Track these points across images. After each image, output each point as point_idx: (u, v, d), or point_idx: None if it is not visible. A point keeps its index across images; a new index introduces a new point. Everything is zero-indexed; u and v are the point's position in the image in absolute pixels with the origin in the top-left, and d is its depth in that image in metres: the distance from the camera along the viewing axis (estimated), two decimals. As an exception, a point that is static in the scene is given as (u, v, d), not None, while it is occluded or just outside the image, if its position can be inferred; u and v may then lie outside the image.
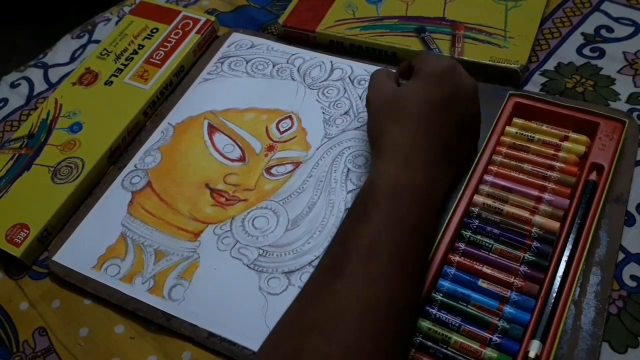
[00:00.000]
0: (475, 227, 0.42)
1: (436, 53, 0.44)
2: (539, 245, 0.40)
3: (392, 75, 0.45)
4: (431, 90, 0.40)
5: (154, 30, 0.62)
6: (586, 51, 0.52)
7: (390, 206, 0.35)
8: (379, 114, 0.42)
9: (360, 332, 0.31)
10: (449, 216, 0.42)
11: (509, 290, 0.38)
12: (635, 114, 0.47)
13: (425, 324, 0.38)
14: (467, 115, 0.42)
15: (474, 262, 0.40)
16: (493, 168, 0.44)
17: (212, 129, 0.54)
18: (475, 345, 0.36)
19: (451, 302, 0.39)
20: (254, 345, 0.40)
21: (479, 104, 0.43)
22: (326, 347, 0.31)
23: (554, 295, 0.37)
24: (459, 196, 0.43)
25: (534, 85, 0.51)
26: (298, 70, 0.57)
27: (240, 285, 0.44)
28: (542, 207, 0.41)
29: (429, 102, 0.40)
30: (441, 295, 0.39)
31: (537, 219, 0.41)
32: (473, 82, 0.42)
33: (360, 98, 0.53)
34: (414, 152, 0.38)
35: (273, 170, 0.50)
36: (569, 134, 0.45)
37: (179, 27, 0.62)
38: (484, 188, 0.43)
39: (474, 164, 0.44)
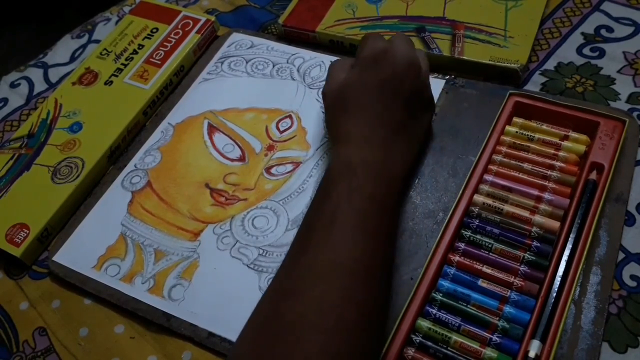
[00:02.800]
0: (475, 226, 0.42)
1: (376, 36, 0.44)
2: (539, 244, 0.40)
3: (345, 65, 0.46)
4: (367, 75, 0.42)
5: (154, 30, 0.62)
6: (586, 51, 0.52)
7: (345, 182, 0.37)
8: (331, 106, 0.44)
9: (330, 290, 0.33)
10: (449, 216, 0.42)
11: (509, 290, 0.38)
12: (635, 114, 0.47)
13: (425, 323, 0.38)
14: (414, 91, 0.43)
15: (474, 262, 0.40)
16: (493, 167, 0.44)
17: (212, 129, 0.54)
18: (475, 345, 0.36)
19: (451, 302, 0.39)
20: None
21: (426, 75, 0.44)
22: (300, 307, 0.33)
23: (554, 295, 0.37)
24: (458, 196, 0.43)
25: (534, 85, 0.51)
26: (298, 70, 0.57)
27: (240, 285, 0.44)
28: (542, 206, 0.41)
29: (367, 88, 0.42)
30: (441, 295, 0.39)
31: (537, 218, 0.41)
32: (410, 58, 0.42)
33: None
34: (365, 135, 0.40)
35: (273, 170, 0.50)
36: (569, 134, 0.45)
37: (179, 27, 0.62)
38: (484, 188, 0.43)
39: (476, 161, 0.44)
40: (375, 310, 0.35)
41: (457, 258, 0.40)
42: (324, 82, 0.55)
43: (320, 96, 0.54)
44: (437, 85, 0.52)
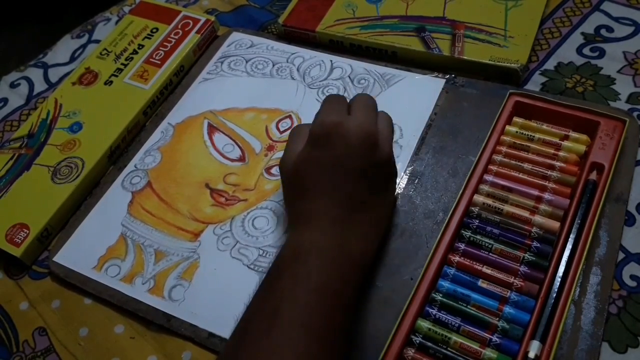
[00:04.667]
0: (475, 227, 0.42)
1: (331, 106, 0.41)
2: (539, 245, 0.40)
3: (304, 133, 0.41)
4: (319, 153, 0.38)
5: (154, 30, 0.62)
6: (586, 51, 0.52)
7: (293, 270, 0.34)
8: (286, 183, 0.42)
9: None
10: (449, 216, 0.42)
11: (509, 291, 0.38)
12: (635, 114, 0.47)
13: (425, 324, 0.38)
14: (372, 165, 0.39)
15: (474, 262, 0.40)
16: (493, 168, 0.44)
17: (212, 129, 0.54)
18: (475, 346, 0.36)
19: (451, 303, 0.39)
20: (254, 346, 0.40)
21: (387, 145, 0.40)
22: None
23: (554, 295, 0.37)
24: (458, 196, 0.43)
25: (534, 85, 0.51)
26: (298, 70, 0.57)
27: (240, 286, 0.44)
28: (542, 206, 0.41)
29: (320, 166, 0.38)
30: (441, 295, 0.39)
31: (537, 218, 0.41)
32: (365, 132, 0.38)
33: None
34: (318, 216, 0.37)
35: (273, 170, 0.50)
36: (569, 133, 0.45)
37: (179, 27, 0.62)
38: (484, 188, 0.43)
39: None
40: None
41: (457, 258, 0.40)
42: (324, 82, 0.55)
43: (321, 96, 0.54)
44: (437, 85, 0.52)
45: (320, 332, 0.32)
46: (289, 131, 0.43)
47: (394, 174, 0.42)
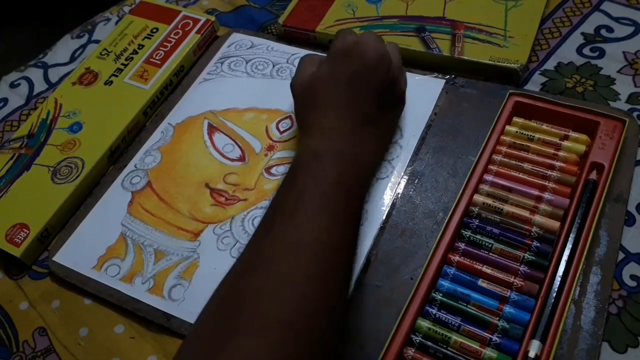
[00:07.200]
0: (475, 226, 0.42)
1: (347, 30, 0.45)
2: (538, 244, 0.40)
3: (315, 60, 0.46)
4: (337, 70, 0.42)
5: (154, 30, 0.62)
6: (586, 51, 0.52)
7: (310, 169, 0.38)
8: (300, 99, 0.45)
9: (293, 267, 0.33)
10: (449, 216, 0.42)
11: (509, 290, 0.38)
12: (635, 114, 0.47)
13: (425, 323, 0.38)
14: (384, 84, 0.43)
15: (474, 262, 0.40)
16: (493, 167, 0.44)
17: (212, 129, 0.54)
18: (475, 345, 0.36)
19: (451, 302, 0.39)
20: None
21: (397, 69, 0.45)
22: (257, 282, 0.33)
23: (554, 295, 0.37)
24: (458, 196, 0.43)
25: (534, 85, 0.51)
26: (298, 70, 0.57)
27: (240, 285, 0.44)
28: (542, 206, 0.41)
29: (337, 81, 0.42)
30: (441, 295, 0.39)
31: (537, 218, 0.41)
32: (380, 52, 0.43)
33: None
34: (331, 128, 0.41)
35: (273, 170, 0.50)
36: (569, 133, 0.45)
37: (179, 27, 0.62)
38: (484, 187, 0.43)
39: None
40: (337, 289, 0.35)
41: (457, 258, 0.40)
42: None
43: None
44: (437, 85, 0.52)
45: (338, 214, 0.36)
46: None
47: (401, 98, 0.47)
